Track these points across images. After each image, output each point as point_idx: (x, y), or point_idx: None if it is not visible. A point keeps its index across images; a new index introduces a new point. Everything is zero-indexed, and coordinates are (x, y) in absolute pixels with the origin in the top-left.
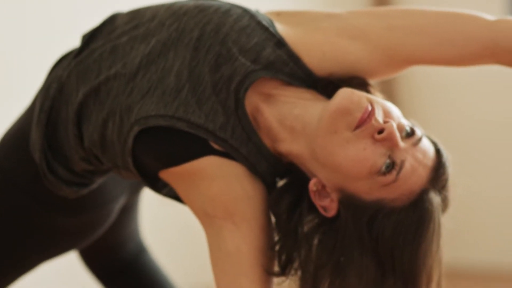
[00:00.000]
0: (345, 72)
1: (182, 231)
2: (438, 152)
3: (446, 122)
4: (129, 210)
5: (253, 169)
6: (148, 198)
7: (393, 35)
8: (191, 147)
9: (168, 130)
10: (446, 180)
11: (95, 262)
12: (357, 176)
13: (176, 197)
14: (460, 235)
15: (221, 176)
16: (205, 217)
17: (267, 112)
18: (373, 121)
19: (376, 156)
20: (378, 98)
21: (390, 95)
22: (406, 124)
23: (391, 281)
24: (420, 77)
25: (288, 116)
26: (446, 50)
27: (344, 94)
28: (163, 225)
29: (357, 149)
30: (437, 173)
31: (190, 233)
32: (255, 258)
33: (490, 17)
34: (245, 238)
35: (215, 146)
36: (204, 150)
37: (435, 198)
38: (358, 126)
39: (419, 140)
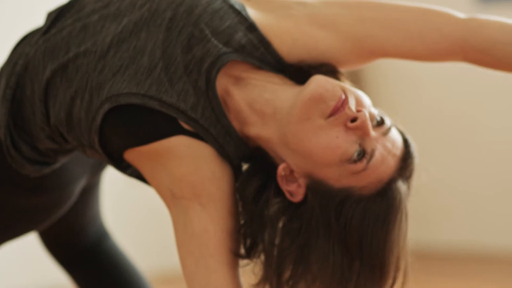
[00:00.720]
0: (314, 60)
1: (146, 214)
2: (405, 142)
3: (412, 111)
4: (90, 192)
5: (222, 151)
6: (110, 181)
7: (364, 27)
8: (161, 126)
9: (138, 108)
10: (413, 170)
11: (56, 247)
12: (328, 163)
13: (140, 177)
14: (429, 217)
15: (190, 156)
16: (171, 198)
17: (237, 95)
18: (346, 110)
19: (348, 144)
20: (350, 87)
21: (357, 84)
22: (376, 113)
23: (357, 268)
24: (387, 66)
25: (258, 100)
26: (416, 45)
27: (318, 81)
28: (126, 208)
29: (329, 136)
30: (405, 163)
31: (154, 216)
32: (221, 239)
33: (461, 15)
34: (212, 219)
35: (185, 126)
36: (174, 129)
37: (402, 187)
38: (332, 114)
39: (389, 129)
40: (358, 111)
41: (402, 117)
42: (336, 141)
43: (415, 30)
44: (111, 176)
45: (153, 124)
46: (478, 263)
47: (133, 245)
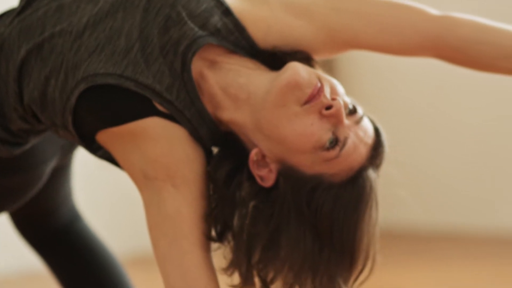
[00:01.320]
0: (289, 47)
1: (118, 196)
2: (376, 131)
3: (383, 100)
4: (61, 173)
5: (195, 133)
6: (82, 162)
7: (338, 17)
8: (136, 107)
9: (114, 89)
10: (383, 159)
11: (28, 229)
12: (301, 149)
13: (111, 159)
14: (399, 198)
15: (164, 138)
16: (144, 179)
17: (211, 78)
18: (322, 98)
19: (322, 132)
20: (324, 75)
21: (330, 72)
22: (349, 102)
23: (327, 255)
24: (359, 55)
25: (232, 84)
26: (389, 39)
27: (295, 68)
28: (98, 190)
29: (304, 123)
30: (376, 152)
31: (126, 198)
32: (195, 221)
33: (437, 12)
34: (186, 200)
35: (160, 108)
36: (148, 111)
37: (372, 175)
38: (308, 101)
39: (361, 118)
40: (333, 99)
41: (373, 107)
42: (310, 128)
43: (390, 24)
44: (82, 158)
45: (128, 104)
46: (447, 243)
47: (105, 227)
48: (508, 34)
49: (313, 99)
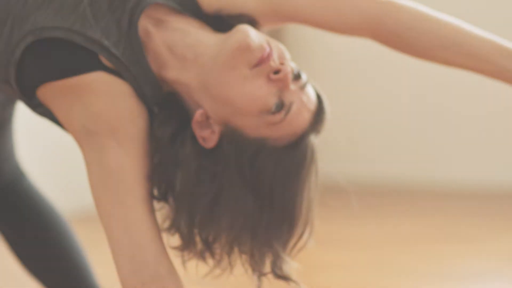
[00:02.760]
0: (233, 13)
1: (62, 153)
2: (319, 97)
3: (324, 65)
4: (1, 129)
5: (140, 91)
6: (25, 120)
7: None
8: (82, 61)
9: (61, 43)
10: (324, 125)
11: None
12: (247, 112)
13: (51, 117)
14: (341, 153)
15: (109, 93)
16: (86, 135)
17: (157, 37)
18: (271, 62)
19: (268, 96)
20: (272, 39)
21: (276, 38)
22: (295, 67)
23: (267, 217)
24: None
25: (179, 44)
26: (330, 17)
27: (245, 31)
28: (41, 147)
29: (253, 86)
30: (318, 118)
31: (70, 155)
32: (138, 177)
33: None
34: (128, 156)
35: (106, 63)
36: (94, 65)
37: (314, 141)
38: (257, 65)
39: (306, 84)
40: (281, 63)
41: (315, 71)
42: (258, 92)
43: (331, 3)
44: (25, 116)
45: (74, 58)
46: (395, 197)
47: (50, 184)
48: (448, 25)
49: (262, 62)
